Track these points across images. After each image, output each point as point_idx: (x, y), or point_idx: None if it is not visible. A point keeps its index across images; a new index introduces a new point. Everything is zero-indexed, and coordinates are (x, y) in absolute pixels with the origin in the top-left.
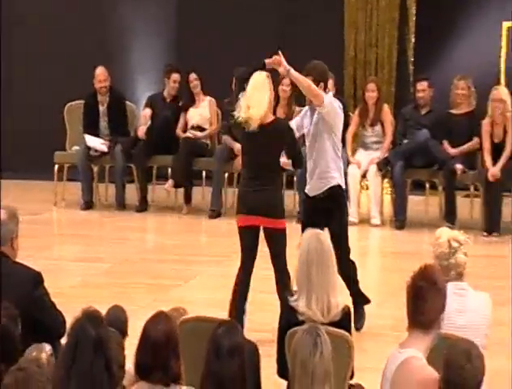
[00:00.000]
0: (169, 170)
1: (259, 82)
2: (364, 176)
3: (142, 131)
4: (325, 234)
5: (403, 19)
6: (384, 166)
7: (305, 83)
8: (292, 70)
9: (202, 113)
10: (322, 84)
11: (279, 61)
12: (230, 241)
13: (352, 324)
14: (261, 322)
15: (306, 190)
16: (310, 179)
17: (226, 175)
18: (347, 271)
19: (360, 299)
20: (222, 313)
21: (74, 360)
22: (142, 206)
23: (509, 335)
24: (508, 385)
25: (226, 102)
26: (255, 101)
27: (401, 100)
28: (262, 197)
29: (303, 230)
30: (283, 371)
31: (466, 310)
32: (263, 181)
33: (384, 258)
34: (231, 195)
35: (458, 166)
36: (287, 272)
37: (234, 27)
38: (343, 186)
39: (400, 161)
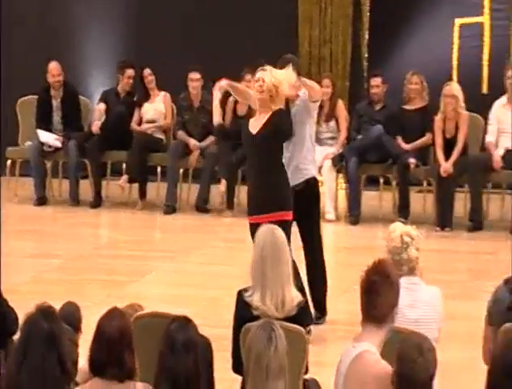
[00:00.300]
0: (124, 166)
1: None
2: (318, 171)
3: (96, 126)
4: (279, 229)
5: (357, 15)
6: (338, 162)
7: (314, 84)
8: (303, 78)
9: (156, 108)
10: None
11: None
12: (185, 236)
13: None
14: (215, 318)
15: None
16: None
17: (181, 171)
18: (320, 270)
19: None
20: (177, 308)
21: (26, 355)
22: (97, 201)
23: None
24: (459, 377)
25: (181, 97)
26: None
27: (355, 96)
28: None
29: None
30: (237, 366)
31: (418, 304)
32: None
33: (338, 253)
34: (185, 191)
35: (412, 160)
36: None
37: (189, 22)
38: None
39: (354, 157)
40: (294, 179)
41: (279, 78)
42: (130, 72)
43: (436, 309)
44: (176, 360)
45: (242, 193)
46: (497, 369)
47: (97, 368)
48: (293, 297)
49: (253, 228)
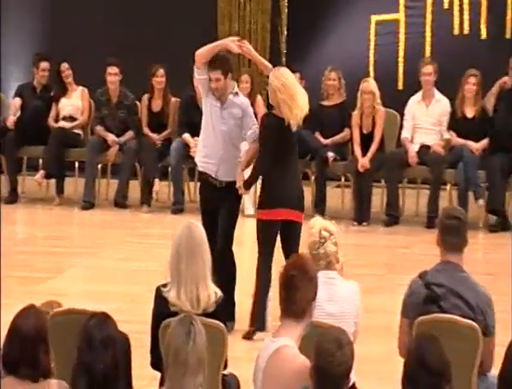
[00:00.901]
0: (40, 161)
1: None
2: None
3: (11, 121)
4: (198, 225)
5: (276, 10)
6: None
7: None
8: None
9: (74, 104)
10: (230, 75)
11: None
12: (103, 232)
13: None
14: (133, 314)
15: (214, 175)
16: (220, 164)
17: (99, 166)
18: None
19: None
20: (96, 305)
21: None
22: (13, 197)
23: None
24: (376, 370)
25: (99, 92)
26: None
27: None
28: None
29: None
30: (156, 363)
31: (336, 299)
32: None
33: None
34: (104, 186)
35: (330, 154)
36: None
37: (107, 16)
38: None
39: None
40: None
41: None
42: (44, 65)
43: (353, 303)
44: (93, 356)
45: (163, 188)
46: (412, 361)
47: (11, 366)
48: (209, 293)
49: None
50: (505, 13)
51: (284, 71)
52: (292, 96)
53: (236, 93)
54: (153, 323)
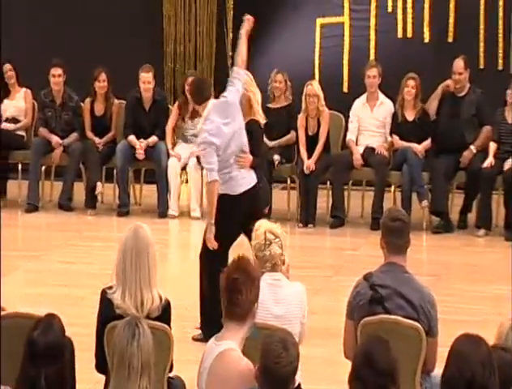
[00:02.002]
0: None
1: None
2: (184, 168)
3: None
4: (145, 228)
5: (222, 12)
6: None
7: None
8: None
9: (17, 105)
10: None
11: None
12: (48, 235)
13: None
14: (77, 317)
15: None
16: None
17: (43, 168)
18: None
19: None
20: (39, 308)
21: None
22: None
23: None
24: (322, 371)
25: (43, 93)
26: None
27: (220, 94)
28: None
29: None
30: (101, 366)
31: (281, 300)
32: None
33: None
34: (48, 189)
35: (276, 157)
36: None
37: (52, 17)
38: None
39: None
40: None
41: None
42: None
43: (299, 304)
44: (36, 370)
45: (107, 190)
46: (359, 361)
47: None
48: (153, 297)
49: None
50: (447, 16)
51: None
52: None
53: None
54: (98, 326)
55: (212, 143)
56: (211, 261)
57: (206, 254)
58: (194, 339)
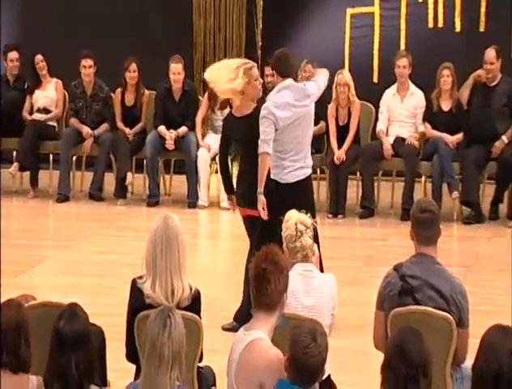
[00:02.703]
0: (14, 153)
1: None
2: (213, 159)
3: None
4: (174, 218)
5: (251, 3)
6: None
7: None
8: None
9: (48, 96)
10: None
11: None
12: (78, 225)
13: None
14: (109, 307)
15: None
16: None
17: (74, 158)
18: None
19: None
20: (70, 298)
21: None
22: None
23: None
24: (352, 363)
25: (73, 84)
26: None
27: None
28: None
29: None
30: (132, 356)
31: (312, 291)
32: None
33: (234, 240)
34: (79, 179)
35: None
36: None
37: (82, 7)
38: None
39: None
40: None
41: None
42: (12, 55)
43: (330, 295)
44: (66, 359)
45: (137, 180)
46: (392, 351)
47: None
48: (184, 286)
49: None
50: (479, 6)
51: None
52: None
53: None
54: (128, 316)
55: (273, 114)
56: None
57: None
58: (224, 328)
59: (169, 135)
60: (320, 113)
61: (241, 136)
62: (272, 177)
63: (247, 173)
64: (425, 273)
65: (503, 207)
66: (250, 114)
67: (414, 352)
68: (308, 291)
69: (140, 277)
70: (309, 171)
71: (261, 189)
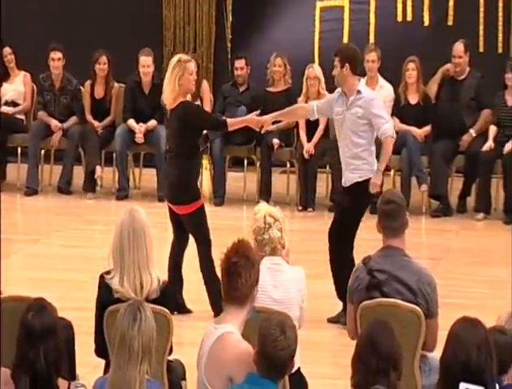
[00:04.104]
0: None
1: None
2: None
3: None
4: (140, 211)
5: None
6: (203, 143)
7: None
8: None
9: (16, 89)
10: (347, 65)
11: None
12: (47, 219)
13: None
14: (78, 301)
15: None
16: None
17: (42, 152)
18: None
19: None
20: (39, 292)
21: None
22: None
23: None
24: (322, 355)
25: (42, 77)
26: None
27: (220, 78)
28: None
29: None
30: (101, 350)
31: (281, 284)
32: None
33: None
34: (47, 172)
35: (275, 141)
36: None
37: (51, 1)
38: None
39: (219, 138)
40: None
41: None
42: None
43: (299, 288)
44: (34, 352)
45: (106, 174)
46: (363, 344)
47: None
48: (152, 279)
49: None
50: (447, 0)
51: None
52: None
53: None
54: (97, 310)
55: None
56: (341, 243)
57: (337, 237)
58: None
59: (139, 129)
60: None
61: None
62: (366, 177)
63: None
64: (392, 267)
65: (471, 200)
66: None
67: (384, 346)
68: (276, 284)
69: (108, 272)
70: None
71: (382, 168)
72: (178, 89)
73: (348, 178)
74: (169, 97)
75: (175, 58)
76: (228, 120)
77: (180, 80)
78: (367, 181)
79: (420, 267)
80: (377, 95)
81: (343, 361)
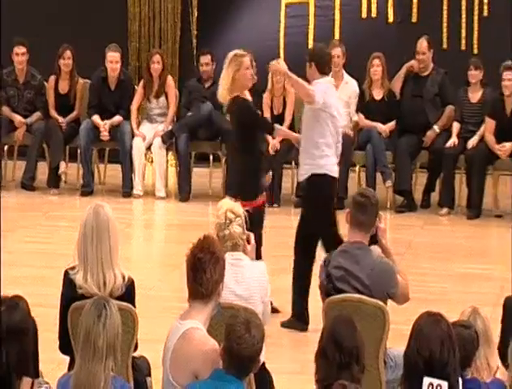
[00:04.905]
0: None
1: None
2: (148, 148)
3: None
4: (106, 206)
5: None
6: (168, 139)
7: (297, 85)
8: (289, 73)
9: None
10: (313, 64)
11: (278, 68)
12: (10, 215)
13: None
14: (42, 297)
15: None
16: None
17: (6, 147)
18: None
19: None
20: (3, 289)
21: None
22: None
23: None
24: (287, 351)
25: (5, 72)
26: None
27: (185, 73)
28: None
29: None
30: (65, 347)
31: (242, 279)
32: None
33: (169, 230)
34: (11, 168)
35: None
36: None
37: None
38: None
39: (185, 134)
40: None
41: None
42: None
43: (261, 283)
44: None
45: (70, 169)
46: (326, 339)
47: None
48: (115, 275)
49: None
50: None
51: None
52: None
53: None
54: (61, 307)
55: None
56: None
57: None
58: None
59: (103, 126)
60: (255, 103)
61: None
62: (323, 172)
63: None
64: (350, 262)
65: (435, 196)
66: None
67: (347, 340)
68: (238, 279)
69: (72, 268)
70: None
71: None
72: (234, 84)
73: (301, 173)
74: (224, 93)
75: (231, 54)
76: (276, 126)
77: (235, 75)
78: (317, 177)
79: (375, 257)
80: (329, 92)
81: (309, 356)
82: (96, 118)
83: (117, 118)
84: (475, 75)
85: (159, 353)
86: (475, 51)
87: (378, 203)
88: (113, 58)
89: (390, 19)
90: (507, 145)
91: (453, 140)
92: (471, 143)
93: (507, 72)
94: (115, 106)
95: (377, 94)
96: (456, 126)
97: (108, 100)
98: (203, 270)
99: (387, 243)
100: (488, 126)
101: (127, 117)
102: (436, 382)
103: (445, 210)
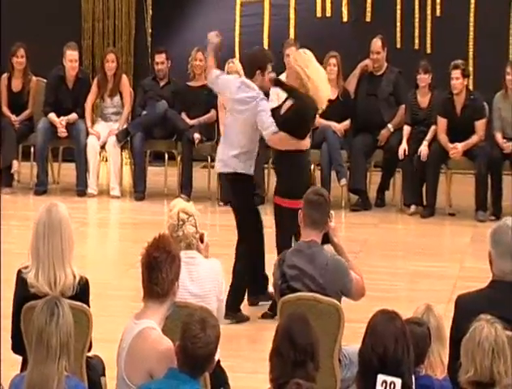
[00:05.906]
0: None
1: None
2: (103, 147)
3: None
4: (60, 205)
5: None
6: (123, 137)
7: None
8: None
9: None
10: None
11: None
12: None
13: None
14: None
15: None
16: None
17: None
18: None
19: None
20: None
21: None
22: None
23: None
24: (242, 349)
25: None
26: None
27: (140, 72)
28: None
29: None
30: (17, 347)
31: (197, 277)
32: None
33: (124, 229)
34: None
35: (196, 135)
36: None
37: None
38: None
39: (139, 132)
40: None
41: None
42: None
43: (215, 281)
44: None
45: (23, 168)
46: (280, 337)
47: None
48: (66, 274)
49: None
50: None
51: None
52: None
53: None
54: (14, 306)
55: None
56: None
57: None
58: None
59: (60, 123)
60: (210, 102)
61: None
62: (242, 171)
63: None
64: (303, 262)
65: (389, 194)
66: None
67: (301, 337)
68: (192, 277)
69: (25, 267)
70: None
71: None
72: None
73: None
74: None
75: (309, 52)
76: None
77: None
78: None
79: (328, 255)
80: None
81: (265, 355)
82: (52, 116)
83: (73, 116)
84: (424, 79)
85: (113, 353)
86: (429, 50)
87: (329, 203)
88: (72, 57)
89: (345, 18)
90: (459, 146)
91: (403, 148)
92: (421, 151)
93: (455, 71)
94: (72, 104)
95: (333, 93)
96: (406, 131)
97: (65, 98)
98: (159, 269)
99: (340, 241)
100: (441, 125)
101: (83, 115)
102: (390, 379)
103: (413, 207)
